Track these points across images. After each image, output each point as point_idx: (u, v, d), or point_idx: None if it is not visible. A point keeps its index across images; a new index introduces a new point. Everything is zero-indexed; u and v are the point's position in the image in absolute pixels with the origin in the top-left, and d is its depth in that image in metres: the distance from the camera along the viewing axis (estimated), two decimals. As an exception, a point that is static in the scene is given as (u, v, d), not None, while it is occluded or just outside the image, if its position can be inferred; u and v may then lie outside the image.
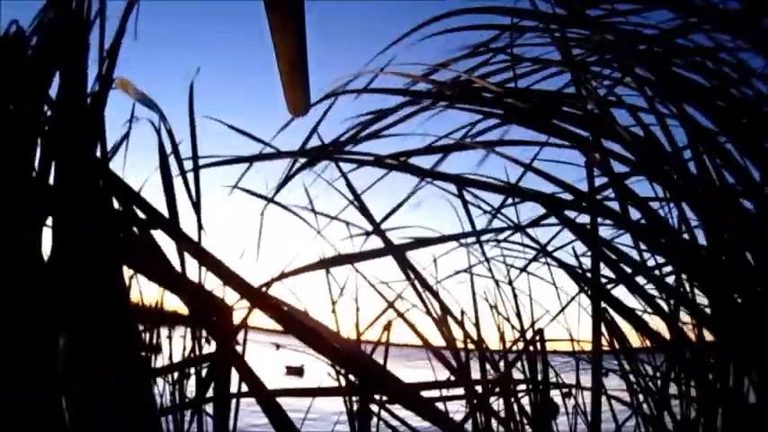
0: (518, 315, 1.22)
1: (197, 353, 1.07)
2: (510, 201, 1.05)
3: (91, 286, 0.60)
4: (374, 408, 1.30)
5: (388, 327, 1.39)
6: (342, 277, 1.43)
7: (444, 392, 1.03)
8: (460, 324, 1.12)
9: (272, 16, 0.41)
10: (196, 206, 0.62)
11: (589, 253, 0.93)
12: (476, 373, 1.19)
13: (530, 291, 1.27)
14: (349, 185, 0.94)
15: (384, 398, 1.12)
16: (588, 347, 1.37)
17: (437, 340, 1.17)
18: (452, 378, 1.05)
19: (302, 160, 0.92)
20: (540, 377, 1.17)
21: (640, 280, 1.00)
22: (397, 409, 1.33)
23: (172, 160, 0.79)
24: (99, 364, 0.63)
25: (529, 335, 1.23)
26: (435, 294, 1.04)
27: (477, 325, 1.14)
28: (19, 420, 0.56)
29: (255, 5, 0.42)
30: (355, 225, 1.14)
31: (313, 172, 1.01)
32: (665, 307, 0.84)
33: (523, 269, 1.20)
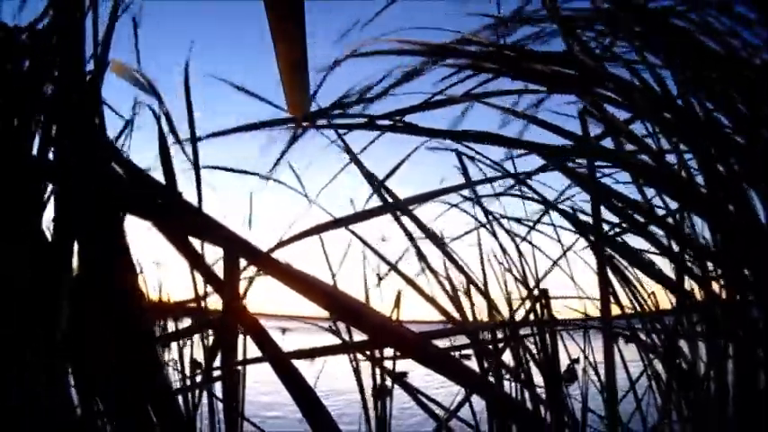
0: (523, 271, 1.22)
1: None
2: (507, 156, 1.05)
3: (96, 261, 0.60)
4: (384, 380, 1.31)
5: (398, 301, 1.39)
6: (343, 245, 1.44)
7: (455, 355, 1.03)
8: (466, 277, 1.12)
9: (272, 16, 0.41)
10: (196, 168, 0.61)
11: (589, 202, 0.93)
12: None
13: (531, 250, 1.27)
14: (345, 146, 0.93)
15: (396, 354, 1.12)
16: (596, 306, 1.38)
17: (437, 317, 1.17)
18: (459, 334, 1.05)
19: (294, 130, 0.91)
20: (546, 335, 1.18)
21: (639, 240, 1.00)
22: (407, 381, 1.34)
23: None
24: (110, 344, 0.62)
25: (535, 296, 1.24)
26: (443, 248, 1.03)
27: (485, 285, 1.14)
28: (19, 420, 0.56)
29: (255, 5, 0.42)
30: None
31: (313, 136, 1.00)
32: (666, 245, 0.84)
33: (533, 226, 1.19)
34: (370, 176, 0.92)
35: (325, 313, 1.46)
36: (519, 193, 1.04)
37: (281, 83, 0.56)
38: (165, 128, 0.68)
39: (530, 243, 1.23)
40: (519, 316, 1.26)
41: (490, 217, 1.13)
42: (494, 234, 1.16)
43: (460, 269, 1.11)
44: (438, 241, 1.03)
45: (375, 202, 0.96)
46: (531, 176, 0.94)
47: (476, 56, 0.84)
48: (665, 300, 1.21)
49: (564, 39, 0.87)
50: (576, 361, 1.52)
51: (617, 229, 0.92)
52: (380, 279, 1.32)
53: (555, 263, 1.20)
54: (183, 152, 0.66)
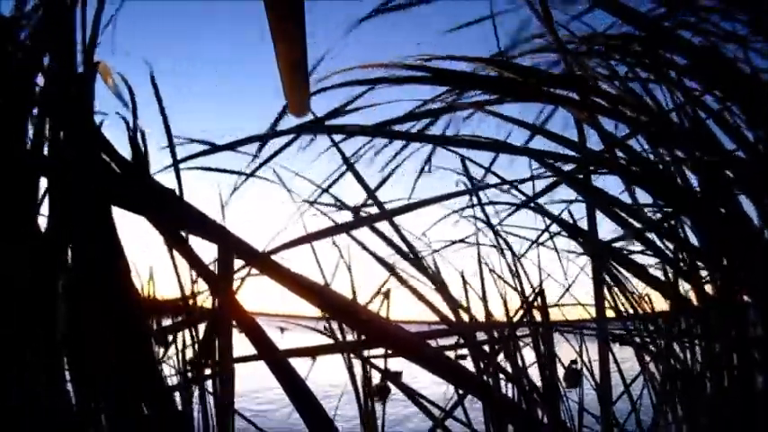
0: (518, 277, 1.23)
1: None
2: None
3: (88, 254, 0.60)
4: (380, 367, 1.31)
5: (387, 295, 1.39)
6: (334, 252, 1.44)
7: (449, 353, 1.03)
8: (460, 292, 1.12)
9: (272, 16, 0.41)
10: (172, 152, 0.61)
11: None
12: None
13: (522, 250, 1.27)
14: (340, 152, 0.93)
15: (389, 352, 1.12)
16: (592, 310, 1.38)
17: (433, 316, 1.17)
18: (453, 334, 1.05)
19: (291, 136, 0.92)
20: (542, 336, 1.18)
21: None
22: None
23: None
24: (106, 340, 0.63)
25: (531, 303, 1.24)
26: (419, 264, 1.03)
27: (483, 293, 1.14)
28: (19, 420, 0.56)
29: (256, 5, 0.42)
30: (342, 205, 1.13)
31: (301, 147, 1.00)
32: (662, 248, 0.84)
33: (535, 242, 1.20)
34: (364, 185, 0.91)
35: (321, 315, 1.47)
36: (517, 203, 1.04)
37: (282, 83, 0.56)
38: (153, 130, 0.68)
39: (524, 258, 1.23)
40: (515, 318, 1.27)
41: (486, 224, 1.13)
42: (496, 235, 1.16)
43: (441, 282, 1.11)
44: (416, 256, 1.02)
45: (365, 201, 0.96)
46: (541, 195, 0.94)
47: (474, 79, 0.84)
48: (660, 303, 1.21)
49: (564, 61, 0.87)
50: (575, 362, 1.52)
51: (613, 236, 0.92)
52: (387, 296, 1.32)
53: (550, 276, 1.21)
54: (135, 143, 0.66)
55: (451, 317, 1.14)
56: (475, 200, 1.07)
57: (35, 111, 0.61)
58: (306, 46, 0.47)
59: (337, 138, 0.99)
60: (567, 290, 1.22)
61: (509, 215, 1.12)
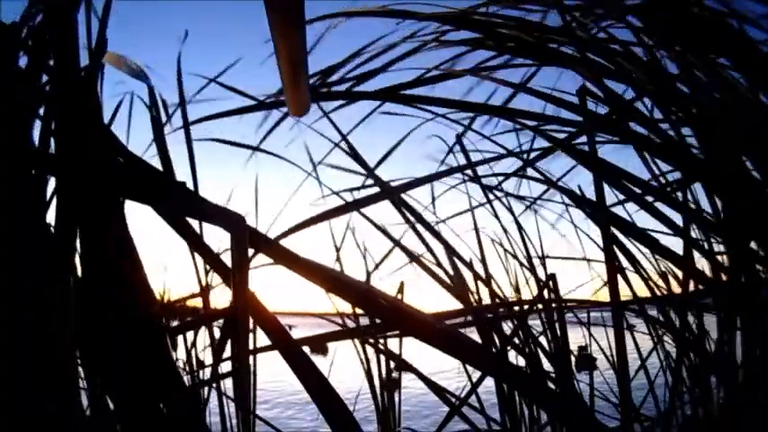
0: (528, 254, 1.22)
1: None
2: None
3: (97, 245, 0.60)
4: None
5: (401, 289, 1.39)
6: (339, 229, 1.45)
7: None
8: (468, 265, 1.11)
9: (273, 16, 0.41)
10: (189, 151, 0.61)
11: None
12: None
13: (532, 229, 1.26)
14: (334, 126, 0.92)
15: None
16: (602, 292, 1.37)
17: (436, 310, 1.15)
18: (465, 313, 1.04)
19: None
20: (554, 317, 1.17)
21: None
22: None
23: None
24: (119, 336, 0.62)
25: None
26: (438, 235, 1.02)
27: (483, 262, 1.13)
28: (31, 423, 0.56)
29: (257, 5, 0.41)
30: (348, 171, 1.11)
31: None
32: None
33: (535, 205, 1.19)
34: (362, 162, 0.90)
35: (331, 309, 1.47)
36: (520, 174, 1.02)
37: (282, 83, 0.56)
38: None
39: (521, 230, 1.22)
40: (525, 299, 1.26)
41: (491, 197, 1.12)
42: (496, 215, 1.15)
43: (460, 258, 1.10)
44: (432, 229, 1.01)
45: (365, 181, 0.95)
46: (533, 157, 0.92)
47: (477, 24, 0.82)
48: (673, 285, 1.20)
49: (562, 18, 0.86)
50: (585, 348, 1.52)
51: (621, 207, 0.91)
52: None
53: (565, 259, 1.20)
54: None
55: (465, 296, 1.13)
56: (481, 171, 1.05)
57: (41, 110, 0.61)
58: (306, 46, 0.47)
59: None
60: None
61: (497, 175, 1.10)
